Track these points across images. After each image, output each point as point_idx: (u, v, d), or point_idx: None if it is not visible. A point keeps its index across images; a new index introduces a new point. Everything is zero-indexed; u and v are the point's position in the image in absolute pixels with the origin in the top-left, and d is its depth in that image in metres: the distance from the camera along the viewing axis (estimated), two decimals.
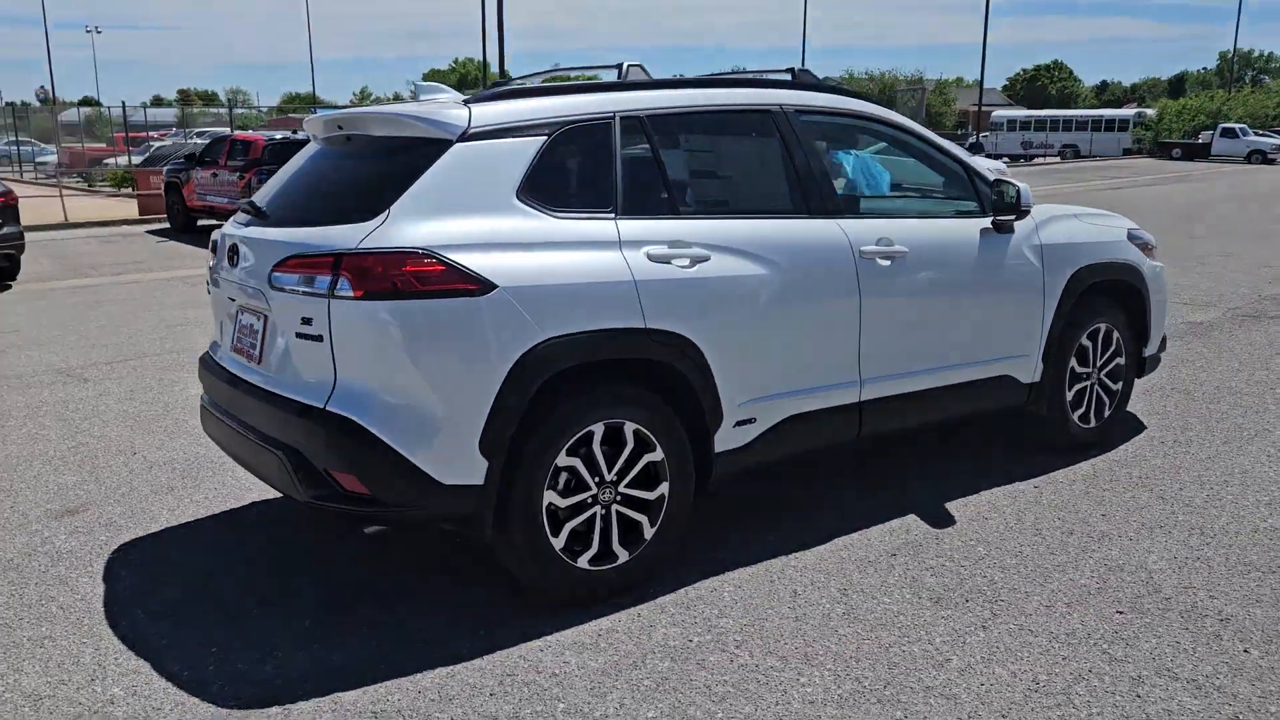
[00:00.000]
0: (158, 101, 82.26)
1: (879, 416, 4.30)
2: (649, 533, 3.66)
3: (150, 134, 41.61)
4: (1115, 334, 5.19)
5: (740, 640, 3.32)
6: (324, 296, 3.22)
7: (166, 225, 19.09)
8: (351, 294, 3.17)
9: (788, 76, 4.40)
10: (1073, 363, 5.02)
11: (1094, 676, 3.06)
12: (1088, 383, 5.14)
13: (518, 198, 3.44)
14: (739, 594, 3.65)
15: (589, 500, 3.52)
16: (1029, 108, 77.02)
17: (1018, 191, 4.49)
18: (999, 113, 62.09)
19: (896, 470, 4.93)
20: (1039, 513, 4.36)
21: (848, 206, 4.31)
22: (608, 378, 3.55)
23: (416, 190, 3.33)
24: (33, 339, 8.65)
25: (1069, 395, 5.04)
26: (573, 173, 3.64)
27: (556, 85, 3.84)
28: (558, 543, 3.45)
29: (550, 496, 3.42)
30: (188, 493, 4.80)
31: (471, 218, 3.34)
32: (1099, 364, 5.17)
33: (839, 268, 4.05)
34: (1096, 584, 3.68)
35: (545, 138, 3.55)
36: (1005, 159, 48.63)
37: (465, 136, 3.44)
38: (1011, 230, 4.68)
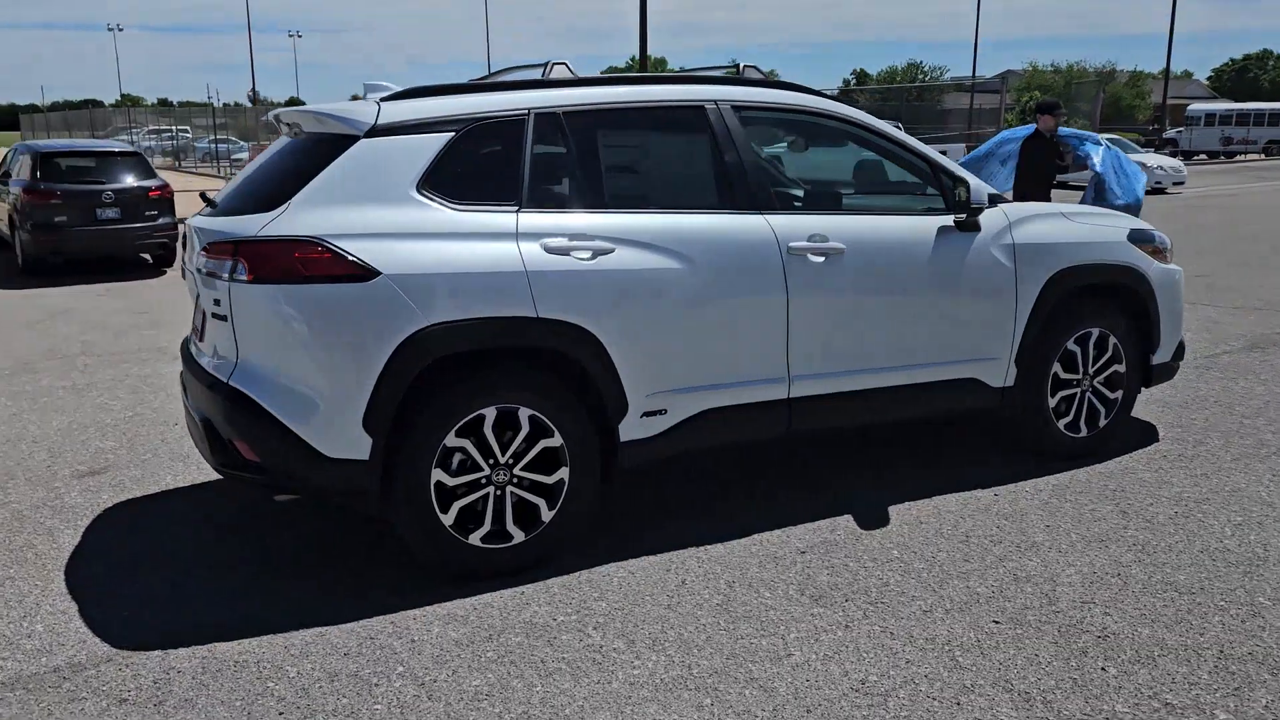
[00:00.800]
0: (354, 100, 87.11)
1: (813, 414, 4.28)
2: (547, 515, 3.80)
3: None
4: (1112, 339, 4.95)
5: (601, 623, 3.42)
6: (226, 280, 3.52)
7: None
8: (246, 278, 3.46)
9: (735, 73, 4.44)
10: (1056, 368, 4.82)
11: (925, 682, 3.01)
12: (1077, 390, 4.92)
13: (418, 190, 3.64)
14: (628, 580, 3.74)
15: (482, 481, 3.69)
16: (1234, 100, 71.56)
17: (967, 188, 4.37)
18: (1195, 106, 57.99)
19: (861, 468, 4.87)
20: (980, 520, 4.24)
21: (786, 202, 4.30)
22: (500, 364, 3.71)
23: (318, 182, 3.58)
24: (157, 320, 9.47)
25: (1052, 402, 4.84)
26: (478, 167, 3.81)
27: (477, 84, 4.01)
28: (447, 519, 3.64)
29: (439, 475, 3.61)
30: (198, 462, 5.24)
31: (367, 209, 3.56)
32: (1091, 370, 4.94)
33: (762, 264, 4.07)
34: (991, 593, 3.58)
35: (452, 133, 3.74)
36: (1201, 155, 45.49)
37: (372, 132, 3.67)
38: (976, 229, 4.54)
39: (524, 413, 3.71)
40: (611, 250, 3.81)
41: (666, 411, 3.98)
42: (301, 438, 3.47)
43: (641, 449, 3.97)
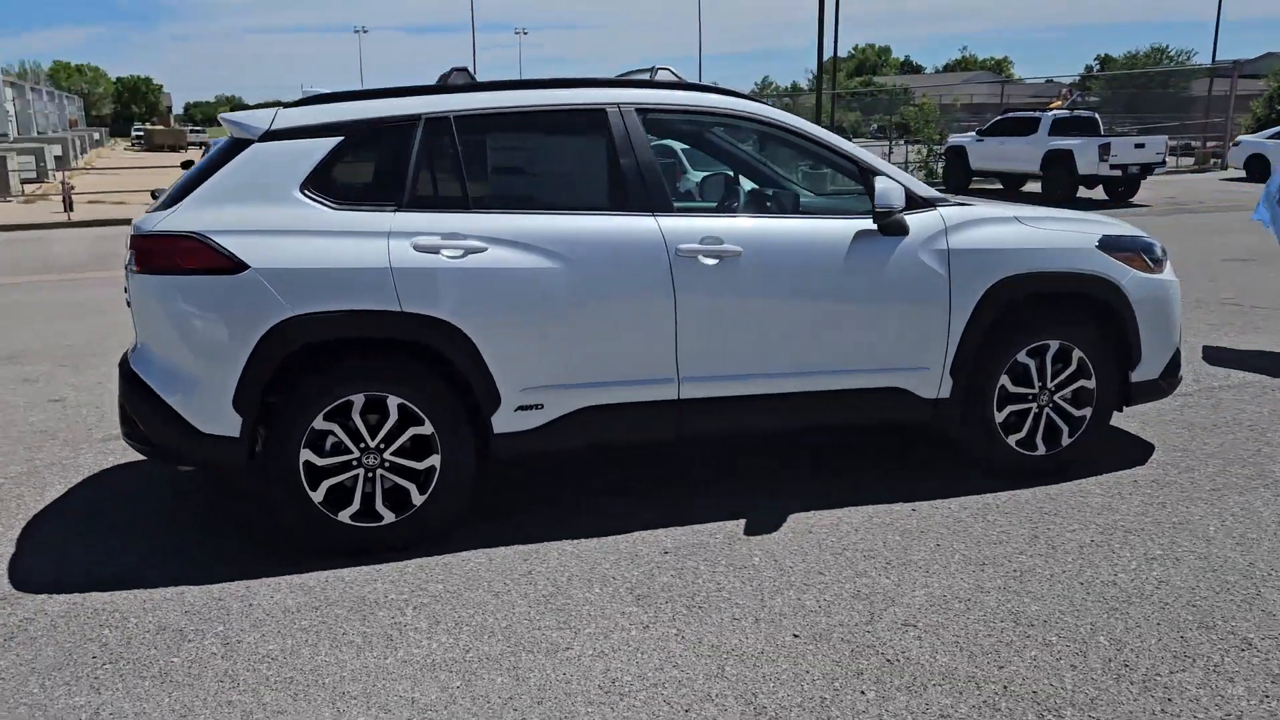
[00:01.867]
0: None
1: (707, 417, 4.28)
2: (418, 499, 4.00)
3: None
4: (1076, 353, 4.63)
5: (425, 604, 3.59)
6: (128, 270, 3.92)
7: None
8: (136, 269, 3.84)
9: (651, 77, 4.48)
10: (1004, 381, 4.57)
11: (672, 686, 3.01)
12: (1032, 405, 4.64)
13: (301, 191, 3.92)
14: (481, 566, 3.89)
15: (352, 463, 3.94)
16: None
17: (874, 191, 4.22)
18: None
19: (798, 474, 4.78)
20: (873, 534, 4.10)
21: (685, 204, 4.31)
22: (368, 354, 3.94)
23: (212, 182, 3.93)
24: None
25: (999, 416, 4.59)
26: (363, 169, 4.05)
27: (379, 90, 4.24)
28: (316, 496, 3.91)
29: (308, 454, 3.88)
30: None
31: (250, 207, 3.87)
32: (1051, 385, 4.64)
33: (647, 265, 4.10)
34: (817, 608, 3.49)
35: (340, 138, 4.00)
36: None
37: (265, 136, 3.97)
38: (902, 232, 4.38)
39: (392, 401, 3.92)
40: (484, 249, 3.96)
41: (543, 406, 4.09)
42: (181, 415, 3.82)
43: (516, 441, 4.10)
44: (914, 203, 4.46)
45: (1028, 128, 21.72)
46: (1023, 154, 21.58)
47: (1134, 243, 4.77)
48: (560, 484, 4.77)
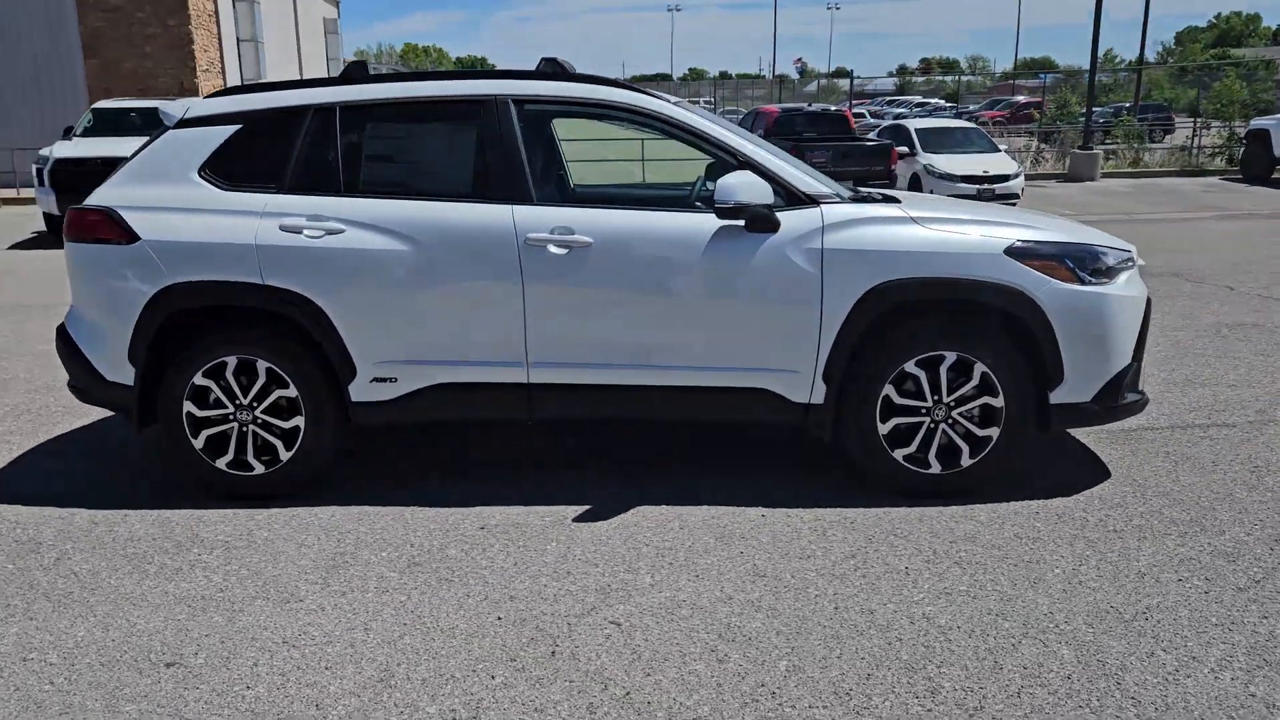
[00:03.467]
0: (903, 71, 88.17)
1: (558, 402, 4.39)
2: (284, 455, 4.44)
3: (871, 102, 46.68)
4: (979, 367, 4.28)
5: (216, 544, 4.02)
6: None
7: None
8: (65, 236, 4.51)
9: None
10: (888, 391, 4.31)
11: (340, 643, 3.24)
12: (924, 419, 4.34)
13: (198, 173, 4.43)
14: (306, 523, 4.24)
15: (228, 416, 4.43)
16: None
17: (715, 187, 4.10)
18: None
19: (686, 465, 4.76)
20: (692, 535, 4.06)
21: (547, 194, 4.40)
22: (238, 321, 4.39)
23: (130, 164, 4.53)
24: None
25: (883, 429, 4.34)
26: (255, 155, 4.47)
27: (284, 82, 4.64)
28: (197, 443, 4.44)
29: (189, 406, 4.41)
30: None
31: (154, 187, 4.43)
32: (948, 400, 4.32)
33: (496, 252, 4.26)
34: (547, 595, 3.57)
35: (238, 126, 4.46)
36: None
37: (179, 124, 4.52)
38: (771, 229, 4.24)
39: (261, 364, 4.37)
40: (343, 231, 4.30)
41: (397, 380, 4.38)
42: (92, 363, 4.47)
43: (374, 411, 4.42)
44: (795, 199, 4.30)
45: None
46: None
47: (1057, 250, 4.30)
48: (452, 453, 5.04)
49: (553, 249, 4.25)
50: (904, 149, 17.60)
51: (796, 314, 4.25)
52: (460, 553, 3.94)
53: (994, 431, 4.34)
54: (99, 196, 4.47)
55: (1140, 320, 4.45)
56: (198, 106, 4.55)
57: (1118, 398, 4.39)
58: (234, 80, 31.13)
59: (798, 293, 4.24)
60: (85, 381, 4.53)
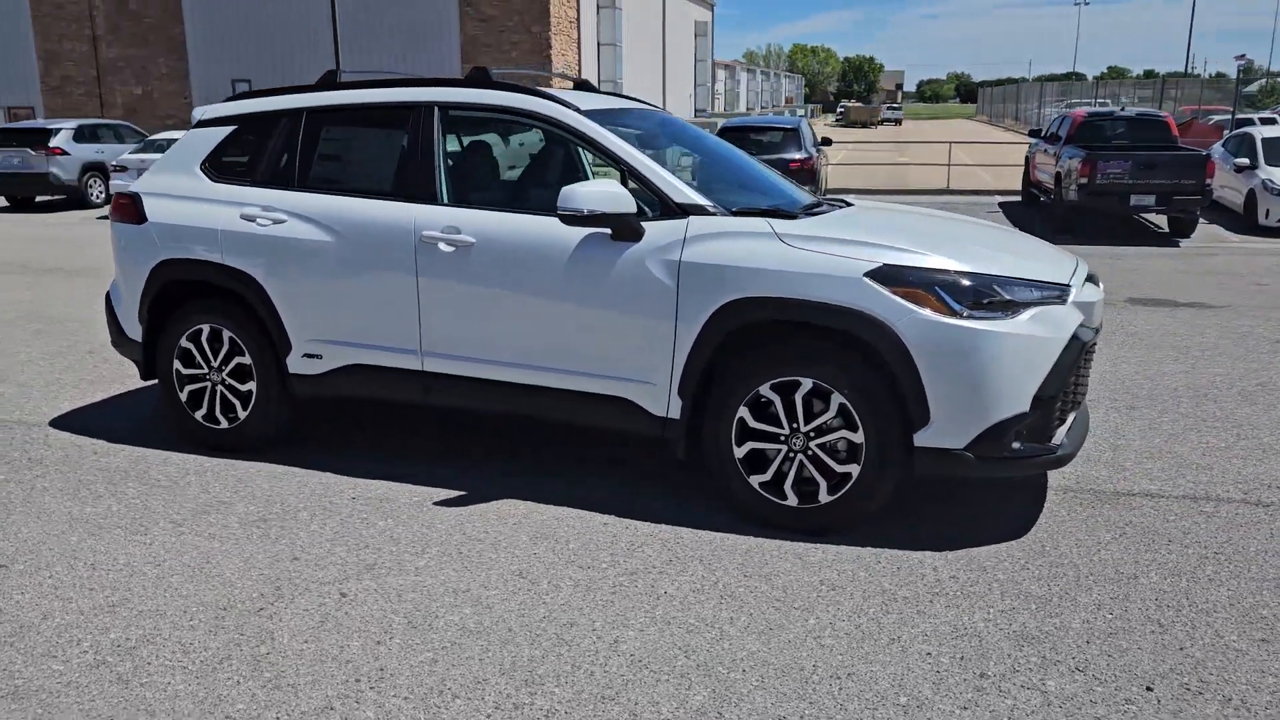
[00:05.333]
0: None
1: (448, 392, 4.67)
2: (241, 414, 5.11)
3: None
4: (837, 398, 4.00)
5: (150, 481, 4.71)
6: None
7: None
8: (109, 217, 5.46)
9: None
10: (743, 413, 4.15)
11: (124, 572, 3.79)
12: (781, 447, 4.13)
13: (199, 168, 5.20)
14: (224, 474, 4.86)
15: (204, 376, 5.17)
16: None
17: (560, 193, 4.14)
18: None
19: (594, 464, 4.85)
20: (521, 531, 4.19)
21: (460, 196, 4.66)
22: (209, 294, 5.09)
23: (162, 158, 5.39)
24: None
25: (738, 452, 4.18)
26: (241, 152, 5.15)
27: (281, 89, 5.26)
28: (182, 396, 5.22)
29: (177, 364, 5.21)
30: None
31: (170, 177, 5.26)
32: (805, 429, 4.08)
33: (396, 247, 4.62)
34: (307, 560, 3.89)
35: (234, 127, 5.18)
36: None
37: (197, 124, 5.32)
38: (634, 238, 4.23)
39: (226, 333, 5.06)
40: (285, 220, 4.86)
41: (322, 357, 4.88)
42: (121, 324, 5.40)
43: (306, 383, 4.95)
44: (669, 210, 4.25)
45: None
46: None
47: (927, 277, 3.89)
48: (408, 435, 5.44)
49: (442, 247, 4.53)
50: (1244, 160, 15.51)
51: (653, 325, 4.21)
52: (309, 515, 4.35)
53: (853, 470, 4.03)
54: (135, 184, 5.37)
55: (1051, 363, 3.91)
56: (210, 110, 5.32)
57: (1000, 448, 3.90)
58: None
59: (654, 303, 4.19)
60: (116, 337, 5.47)
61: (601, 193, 4.13)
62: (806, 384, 4.04)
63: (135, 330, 5.31)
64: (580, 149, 4.61)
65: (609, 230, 4.26)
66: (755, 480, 4.17)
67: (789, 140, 16.49)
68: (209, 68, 32.64)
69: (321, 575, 3.78)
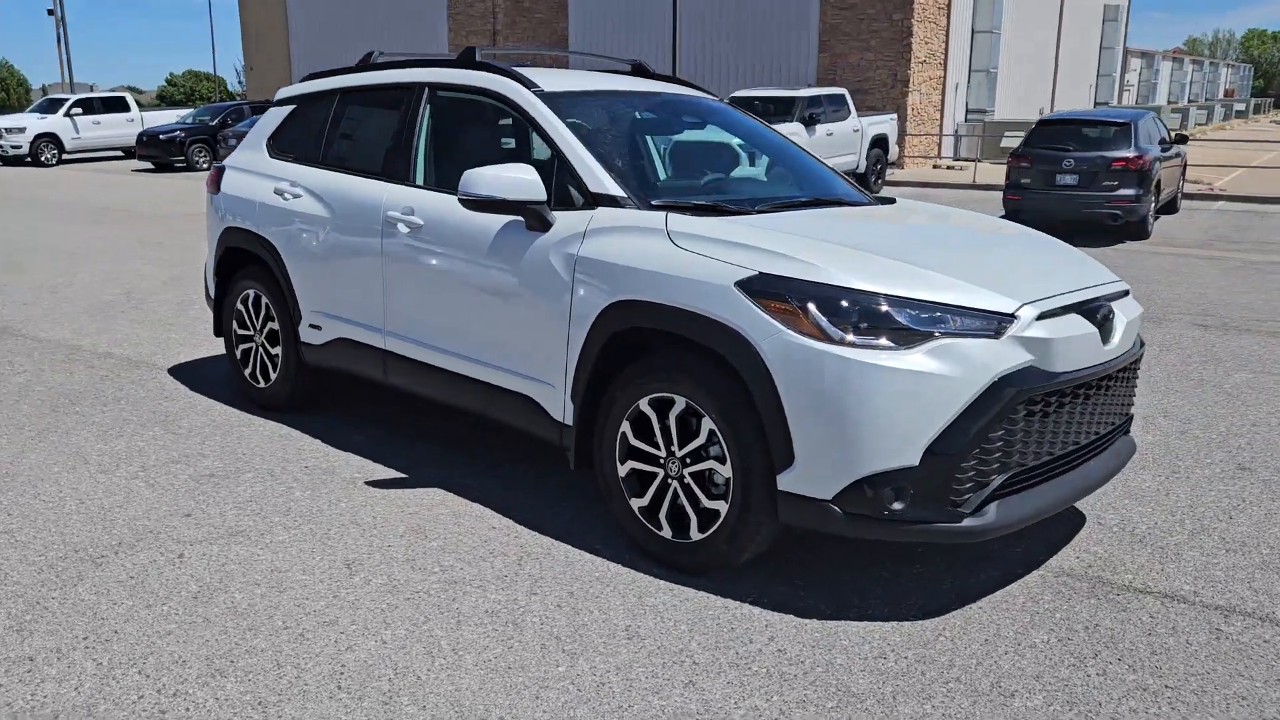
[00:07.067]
0: None
1: (403, 373, 4.65)
2: (272, 376, 5.43)
3: None
4: (707, 423, 3.49)
5: (156, 428, 5.14)
6: None
7: None
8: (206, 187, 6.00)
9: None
10: (625, 428, 3.75)
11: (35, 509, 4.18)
12: (658, 471, 3.68)
13: (265, 144, 5.56)
14: (227, 425, 5.17)
15: (249, 336, 5.56)
16: None
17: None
18: None
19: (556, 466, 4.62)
20: (385, 515, 4.10)
21: (425, 176, 4.59)
22: (254, 260, 5.43)
23: (248, 135, 5.83)
24: None
25: (621, 471, 3.78)
26: (293, 131, 5.42)
27: (333, 70, 5.44)
28: (237, 354, 5.65)
29: (235, 325, 5.64)
30: None
31: (247, 154, 5.68)
32: (680, 454, 3.60)
33: (369, 225, 4.66)
34: (163, 513, 4.04)
35: (294, 106, 5.49)
36: None
37: (274, 104, 5.69)
38: (542, 228, 3.95)
39: (264, 299, 5.40)
40: (301, 196, 5.08)
41: (322, 328, 5.05)
42: (207, 284, 5.93)
43: (311, 351, 5.15)
44: (589, 200, 3.91)
45: None
46: None
47: (804, 291, 3.24)
48: (424, 413, 5.46)
49: (400, 228, 4.50)
50: None
51: (551, 322, 3.91)
52: (252, 477, 4.53)
53: (720, 507, 3.49)
54: (228, 158, 5.87)
55: (955, 411, 3.13)
56: (283, 91, 5.66)
57: (874, 506, 3.18)
58: (955, 70, 31.86)
59: (553, 299, 3.89)
60: (206, 296, 6.02)
61: (503, 177, 3.87)
62: (680, 403, 3.55)
63: (213, 290, 5.80)
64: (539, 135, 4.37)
65: (524, 219, 4.00)
66: (635, 504, 3.75)
67: (1119, 137, 14.65)
68: (585, 60, 34.93)
69: (189, 535, 3.92)
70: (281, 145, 5.46)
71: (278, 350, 5.33)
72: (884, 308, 3.19)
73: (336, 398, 5.58)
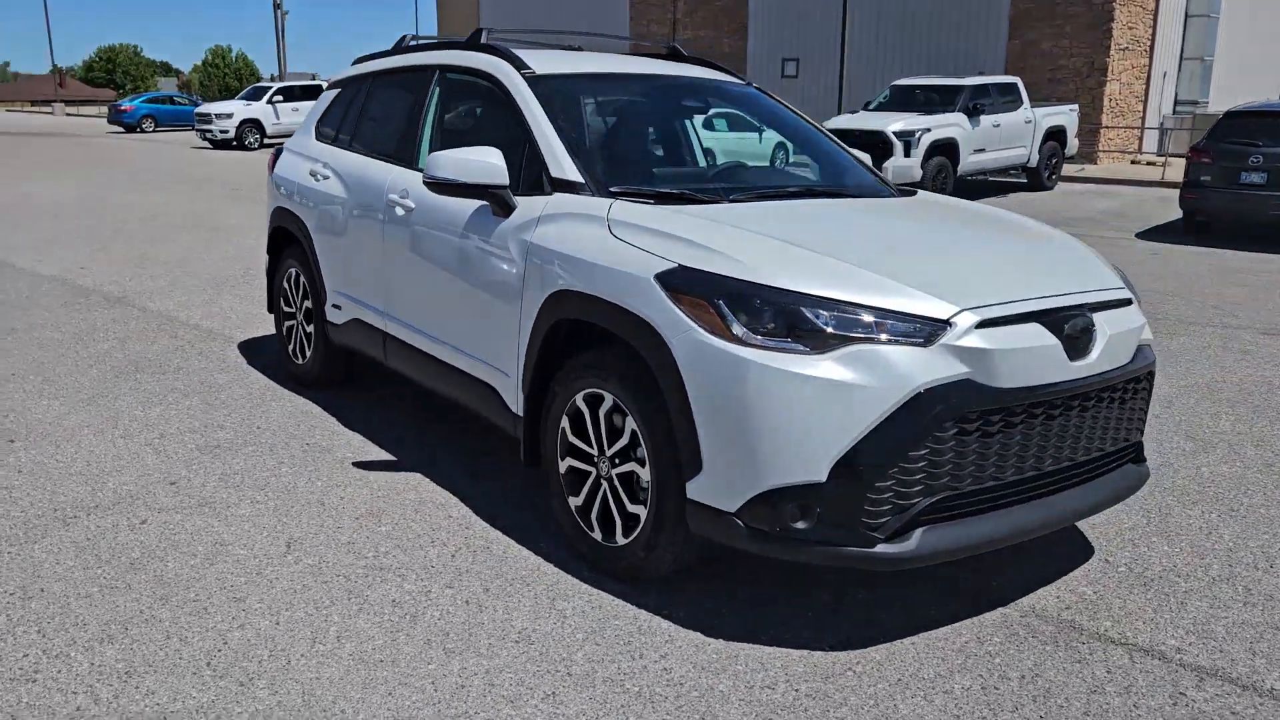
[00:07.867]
0: None
1: (398, 357, 4.66)
2: (307, 353, 5.58)
3: None
4: (630, 423, 3.32)
5: (165, 420, 5.37)
6: None
7: None
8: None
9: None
10: (565, 424, 3.61)
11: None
12: (591, 470, 3.53)
13: (314, 128, 5.71)
14: (259, 400, 5.34)
15: (291, 313, 5.72)
16: None
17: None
18: None
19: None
20: (344, 497, 4.12)
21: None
22: (293, 239, 5.57)
23: (307, 116, 6.00)
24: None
25: (561, 466, 3.65)
26: (332, 114, 5.52)
27: (379, 53, 5.49)
28: (281, 332, 5.84)
29: (281, 302, 5.83)
30: None
31: (300, 137, 5.83)
32: (609, 453, 3.44)
33: (375, 207, 4.70)
34: (146, 479, 4.17)
35: (339, 90, 5.61)
36: None
37: (327, 87, 5.83)
38: (505, 213, 3.86)
39: (301, 279, 5.55)
40: (329, 177, 5.18)
41: (341, 308, 5.14)
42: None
43: (335, 331, 5.24)
44: (555, 186, 3.79)
45: None
46: None
47: (715, 286, 3.00)
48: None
49: (398, 210, 4.51)
50: None
51: (505, 310, 3.82)
52: (251, 450, 4.66)
53: (640, 512, 3.31)
54: (288, 141, 6.06)
55: (867, 423, 2.84)
56: (333, 76, 5.79)
57: (776, 522, 2.93)
58: (1163, 58, 29.62)
59: (508, 286, 3.80)
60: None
61: (464, 160, 3.79)
62: (609, 400, 3.39)
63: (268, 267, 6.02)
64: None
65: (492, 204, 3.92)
66: (572, 502, 3.61)
67: None
68: (763, 47, 34.45)
69: (163, 502, 4.06)
70: (324, 129, 5.59)
71: (310, 329, 5.47)
72: (798, 308, 2.92)
73: (379, 377, 5.65)
